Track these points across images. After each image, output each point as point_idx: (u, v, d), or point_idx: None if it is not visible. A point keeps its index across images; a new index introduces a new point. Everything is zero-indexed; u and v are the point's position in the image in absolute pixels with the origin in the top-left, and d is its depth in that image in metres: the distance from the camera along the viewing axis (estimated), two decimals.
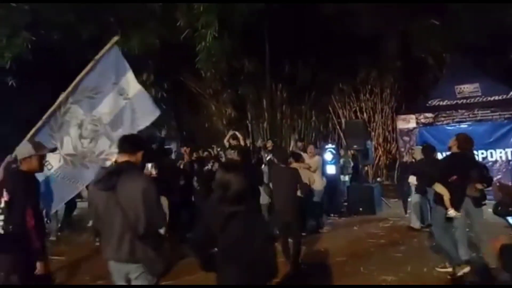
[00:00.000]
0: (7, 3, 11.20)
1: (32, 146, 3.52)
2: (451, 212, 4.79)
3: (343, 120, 14.37)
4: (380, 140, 14.75)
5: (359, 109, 14.99)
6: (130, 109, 4.71)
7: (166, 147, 11.57)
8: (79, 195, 9.33)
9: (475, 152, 6.90)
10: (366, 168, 11.78)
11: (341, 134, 13.89)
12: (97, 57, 4.66)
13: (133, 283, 2.79)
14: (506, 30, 12.07)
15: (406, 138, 10.56)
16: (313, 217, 7.87)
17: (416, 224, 7.49)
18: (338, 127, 14.93)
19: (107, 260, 2.85)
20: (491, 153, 9.73)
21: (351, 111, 15.03)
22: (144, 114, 4.83)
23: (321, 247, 6.56)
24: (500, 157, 9.69)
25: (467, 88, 10.49)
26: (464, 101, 10.35)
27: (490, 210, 5.00)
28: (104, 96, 4.69)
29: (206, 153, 8.46)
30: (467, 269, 4.83)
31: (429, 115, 10.36)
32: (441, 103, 10.61)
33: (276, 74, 15.59)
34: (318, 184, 7.85)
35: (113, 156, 4.53)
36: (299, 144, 10.03)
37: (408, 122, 10.60)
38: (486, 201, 5.05)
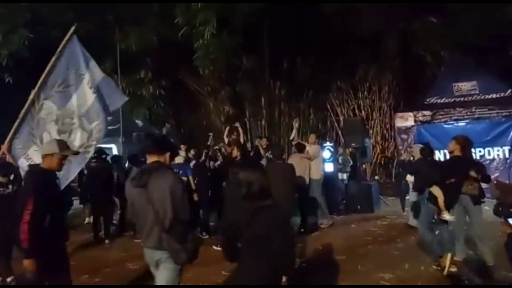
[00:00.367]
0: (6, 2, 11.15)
1: (57, 145, 3.60)
2: (446, 216, 4.83)
3: (341, 118, 14.36)
4: (378, 138, 14.76)
5: (357, 107, 14.98)
6: (101, 101, 4.74)
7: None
8: (74, 193, 9.38)
9: (472, 150, 6.91)
10: (364, 166, 11.79)
11: (339, 132, 13.89)
12: (59, 49, 4.70)
13: (160, 267, 3.12)
14: (504, 29, 12.10)
15: (404, 136, 10.55)
16: (311, 214, 7.90)
17: (413, 222, 7.49)
18: (336, 125, 14.93)
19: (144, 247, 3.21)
20: (488, 151, 9.74)
21: (349, 109, 15.02)
22: (113, 100, 4.85)
23: (319, 245, 6.57)
24: (498, 155, 9.70)
25: (465, 86, 10.50)
26: (462, 99, 10.36)
27: (487, 208, 5.06)
28: (75, 89, 4.75)
29: (205, 150, 8.45)
30: (448, 257, 4.91)
31: (427, 113, 10.35)
32: (439, 101, 10.62)
33: (275, 71, 15.59)
34: (317, 173, 7.88)
35: (92, 148, 4.57)
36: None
37: (406, 120, 10.59)
38: (485, 199, 5.08)
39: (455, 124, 9.97)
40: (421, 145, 7.73)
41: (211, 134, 9.70)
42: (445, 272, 4.90)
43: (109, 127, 13.80)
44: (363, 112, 14.84)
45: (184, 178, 7.69)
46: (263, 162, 7.67)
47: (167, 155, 3.22)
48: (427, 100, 10.79)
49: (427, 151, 6.67)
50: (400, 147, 10.55)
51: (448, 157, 5.46)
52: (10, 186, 5.03)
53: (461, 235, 5.16)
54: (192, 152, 8.21)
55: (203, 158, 8.09)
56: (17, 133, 4.61)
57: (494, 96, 10.05)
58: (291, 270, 2.79)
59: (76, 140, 4.63)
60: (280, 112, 15.94)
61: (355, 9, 14.05)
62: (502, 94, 10.01)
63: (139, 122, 15.30)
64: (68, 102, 4.71)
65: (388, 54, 15.18)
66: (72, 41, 4.81)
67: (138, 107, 15.12)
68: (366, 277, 5.02)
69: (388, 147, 14.65)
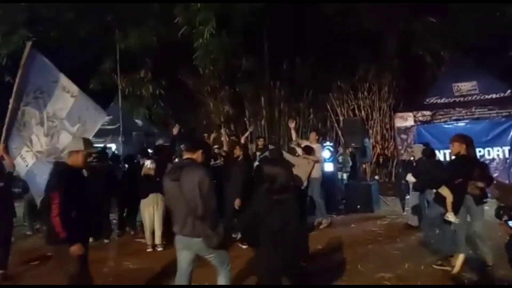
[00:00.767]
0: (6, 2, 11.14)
1: (83, 142, 3.73)
2: (451, 217, 4.79)
3: (341, 118, 14.35)
4: (378, 138, 14.76)
5: (357, 107, 14.97)
6: (82, 107, 4.88)
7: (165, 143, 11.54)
8: None
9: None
10: (364, 166, 11.78)
11: (339, 132, 13.88)
12: (22, 63, 4.92)
13: (204, 256, 3.59)
14: (505, 29, 12.10)
15: (404, 136, 10.54)
16: (310, 214, 7.90)
17: (413, 221, 7.51)
18: (336, 125, 14.92)
19: (176, 234, 3.64)
20: (488, 151, 9.74)
21: (349, 109, 15.01)
22: (94, 114, 5.00)
23: (319, 245, 6.56)
24: (498, 155, 9.70)
25: (465, 86, 10.49)
26: (462, 99, 10.35)
27: (487, 207, 5.05)
28: (51, 94, 4.94)
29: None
30: (461, 258, 4.87)
31: (427, 113, 10.33)
32: (438, 101, 10.61)
33: (274, 71, 15.58)
34: (317, 172, 7.87)
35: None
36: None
37: (406, 120, 10.57)
38: (487, 199, 5.08)
39: (455, 124, 9.96)
40: (421, 145, 7.74)
41: (205, 135, 9.72)
42: (455, 271, 4.89)
43: (109, 127, 13.95)
44: (363, 112, 14.83)
45: None
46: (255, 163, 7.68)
47: (199, 152, 3.68)
48: (427, 100, 10.79)
49: (430, 152, 6.67)
50: (400, 147, 10.54)
51: (448, 157, 5.50)
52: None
53: (463, 236, 5.15)
54: None
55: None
56: (9, 135, 4.75)
57: (494, 96, 10.04)
58: (305, 256, 3.30)
59: (60, 142, 4.77)
60: (280, 112, 15.93)
61: (355, 9, 14.05)
62: (502, 94, 10.01)
63: (139, 122, 15.31)
64: (47, 107, 4.88)
65: (388, 54, 15.18)
66: (34, 55, 5.01)
67: (138, 107, 15.12)
68: (366, 277, 5.02)
69: (388, 147, 14.64)
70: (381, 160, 14.36)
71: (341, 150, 10.46)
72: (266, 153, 7.77)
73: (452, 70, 11.20)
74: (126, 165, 8.29)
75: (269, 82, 15.78)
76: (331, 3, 13.76)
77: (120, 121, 12.31)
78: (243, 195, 6.39)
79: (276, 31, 14.50)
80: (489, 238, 5.11)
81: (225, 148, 8.26)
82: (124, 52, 13.21)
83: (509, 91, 9.98)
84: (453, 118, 10.07)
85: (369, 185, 9.70)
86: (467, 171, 4.86)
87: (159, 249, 6.57)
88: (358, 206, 9.22)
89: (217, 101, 16.08)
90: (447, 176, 5.02)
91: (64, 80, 4.95)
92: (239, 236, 5.98)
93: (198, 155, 3.67)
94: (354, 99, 14.97)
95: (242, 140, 8.74)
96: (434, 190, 5.36)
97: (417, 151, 7.56)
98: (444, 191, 4.88)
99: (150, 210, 6.57)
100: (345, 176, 10.22)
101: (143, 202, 6.64)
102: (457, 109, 10.09)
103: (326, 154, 9.33)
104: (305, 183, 7.24)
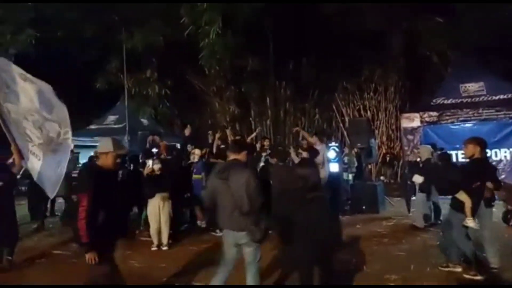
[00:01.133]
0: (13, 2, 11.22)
1: (112, 143, 3.69)
2: (470, 222, 4.70)
3: (346, 118, 14.32)
4: (384, 138, 14.70)
5: (362, 107, 14.93)
6: (45, 92, 4.67)
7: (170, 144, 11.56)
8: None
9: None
10: (369, 166, 11.74)
11: (345, 132, 13.84)
12: None
13: (243, 247, 3.81)
14: None
15: (410, 137, 10.49)
16: None
17: (419, 223, 7.46)
18: (341, 125, 14.89)
19: (222, 228, 4.00)
20: (495, 152, 9.68)
21: (355, 109, 14.97)
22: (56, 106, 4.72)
23: None
24: (505, 156, 9.65)
25: (472, 87, 10.43)
26: (469, 100, 10.29)
27: (494, 209, 5.00)
28: (16, 88, 4.76)
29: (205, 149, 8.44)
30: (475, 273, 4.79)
31: (434, 113, 10.28)
32: (445, 101, 10.55)
33: (280, 71, 15.58)
34: (321, 172, 7.85)
35: (69, 134, 4.55)
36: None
37: (412, 121, 10.52)
38: (495, 202, 5.03)
39: (462, 125, 9.91)
40: (428, 146, 7.69)
41: (210, 132, 9.68)
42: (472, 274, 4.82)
43: (115, 126, 14.02)
44: (368, 112, 14.79)
45: (199, 176, 7.75)
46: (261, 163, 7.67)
47: (244, 153, 3.95)
48: (434, 100, 10.74)
49: (445, 156, 6.58)
50: (406, 148, 10.50)
51: (454, 158, 5.44)
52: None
53: (464, 238, 5.08)
54: (197, 152, 8.23)
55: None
56: (11, 135, 4.72)
57: (501, 97, 9.98)
58: (338, 246, 3.80)
59: (51, 132, 4.63)
60: (286, 112, 15.93)
61: (361, 9, 14.01)
62: (509, 95, 9.94)
63: (145, 121, 15.36)
64: (20, 100, 4.74)
65: (394, 54, 15.11)
66: None
67: (144, 106, 15.17)
68: (372, 278, 4.99)
69: (394, 148, 14.58)
70: (387, 158, 14.27)
71: (346, 150, 10.40)
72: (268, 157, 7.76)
73: (459, 71, 11.14)
74: (132, 165, 8.28)
75: (274, 82, 15.78)
76: (336, 3, 13.73)
77: (126, 120, 12.35)
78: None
79: (281, 32, 14.50)
80: (496, 240, 5.06)
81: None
82: (130, 52, 13.28)
83: None
84: (460, 119, 10.02)
85: (374, 185, 9.65)
86: (483, 175, 4.78)
87: (164, 248, 6.58)
88: (364, 207, 9.18)
89: (223, 101, 16.10)
90: (465, 180, 4.91)
91: (16, 69, 4.79)
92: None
93: (242, 156, 3.93)
94: (360, 100, 14.93)
95: (248, 140, 8.72)
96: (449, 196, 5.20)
97: (423, 152, 7.51)
98: (462, 196, 4.75)
99: (156, 210, 6.59)
100: (350, 176, 10.16)
101: (150, 202, 6.66)
102: (464, 110, 10.04)
103: (331, 154, 9.28)
104: None
